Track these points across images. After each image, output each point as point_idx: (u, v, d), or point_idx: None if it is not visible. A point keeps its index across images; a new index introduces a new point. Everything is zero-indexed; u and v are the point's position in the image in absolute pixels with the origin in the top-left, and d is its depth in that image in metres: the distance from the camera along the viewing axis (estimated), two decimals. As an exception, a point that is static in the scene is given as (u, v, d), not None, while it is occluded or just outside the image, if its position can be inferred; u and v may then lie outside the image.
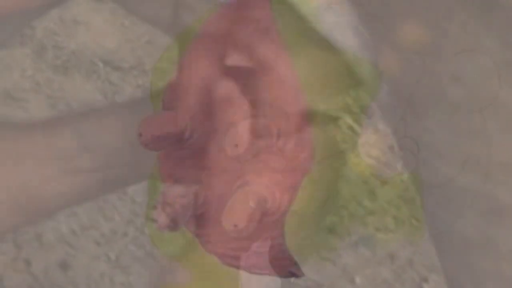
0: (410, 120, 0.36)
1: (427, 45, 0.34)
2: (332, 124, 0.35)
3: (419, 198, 0.34)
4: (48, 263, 0.51)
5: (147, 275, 0.45)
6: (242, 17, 0.33)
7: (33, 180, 0.57)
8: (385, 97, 0.35)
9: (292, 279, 0.34)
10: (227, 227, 0.30)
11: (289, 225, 0.34)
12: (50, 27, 0.50)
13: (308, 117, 0.33)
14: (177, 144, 0.34)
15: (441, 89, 0.37)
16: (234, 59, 0.33)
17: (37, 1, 0.41)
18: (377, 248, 0.38)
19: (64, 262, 0.49)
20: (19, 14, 0.40)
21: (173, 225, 0.31)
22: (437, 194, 0.36)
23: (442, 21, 0.33)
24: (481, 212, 0.35)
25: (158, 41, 0.48)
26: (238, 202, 0.30)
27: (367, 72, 0.33)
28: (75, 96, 0.52)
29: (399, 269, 0.42)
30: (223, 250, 0.33)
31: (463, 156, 0.35)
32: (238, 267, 0.33)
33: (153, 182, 0.36)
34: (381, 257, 0.42)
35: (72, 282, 0.47)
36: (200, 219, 0.33)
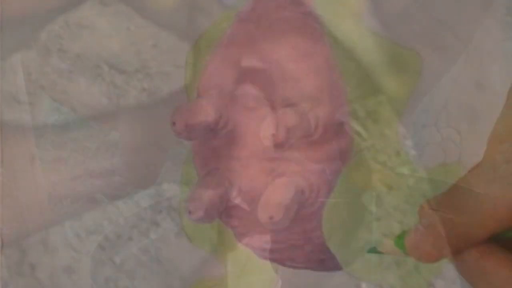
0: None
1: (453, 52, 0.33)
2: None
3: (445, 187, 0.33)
4: (53, 267, 0.51)
5: (151, 280, 0.45)
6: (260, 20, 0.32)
7: (59, 182, 0.58)
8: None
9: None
10: (263, 220, 0.30)
11: (327, 218, 0.33)
12: (55, 30, 0.51)
13: (346, 109, 0.32)
14: (211, 133, 0.33)
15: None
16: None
17: (49, 4, 0.41)
18: (384, 254, 0.38)
19: (69, 266, 0.50)
20: (30, 19, 0.41)
21: (207, 216, 0.31)
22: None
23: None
24: None
25: (163, 44, 0.48)
26: (274, 194, 0.30)
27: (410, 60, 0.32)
28: (80, 99, 0.53)
29: (405, 274, 0.42)
30: (258, 243, 0.32)
31: None
32: (273, 260, 0.32)
33: (187, 172, 0.35)
34: (387, 263, 0.42)
35: (77, 286, 0.47)
36: (234, 210, 0.33)
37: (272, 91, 0.32)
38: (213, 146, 0.34)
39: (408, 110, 0.35)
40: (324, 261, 0.32)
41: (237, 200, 0.32)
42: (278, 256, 0.32)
